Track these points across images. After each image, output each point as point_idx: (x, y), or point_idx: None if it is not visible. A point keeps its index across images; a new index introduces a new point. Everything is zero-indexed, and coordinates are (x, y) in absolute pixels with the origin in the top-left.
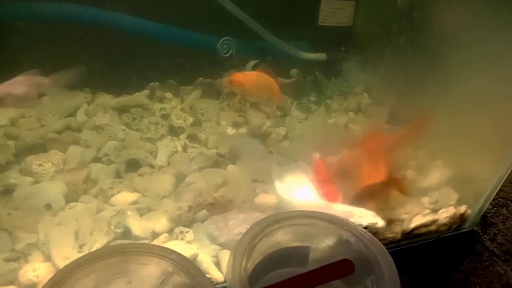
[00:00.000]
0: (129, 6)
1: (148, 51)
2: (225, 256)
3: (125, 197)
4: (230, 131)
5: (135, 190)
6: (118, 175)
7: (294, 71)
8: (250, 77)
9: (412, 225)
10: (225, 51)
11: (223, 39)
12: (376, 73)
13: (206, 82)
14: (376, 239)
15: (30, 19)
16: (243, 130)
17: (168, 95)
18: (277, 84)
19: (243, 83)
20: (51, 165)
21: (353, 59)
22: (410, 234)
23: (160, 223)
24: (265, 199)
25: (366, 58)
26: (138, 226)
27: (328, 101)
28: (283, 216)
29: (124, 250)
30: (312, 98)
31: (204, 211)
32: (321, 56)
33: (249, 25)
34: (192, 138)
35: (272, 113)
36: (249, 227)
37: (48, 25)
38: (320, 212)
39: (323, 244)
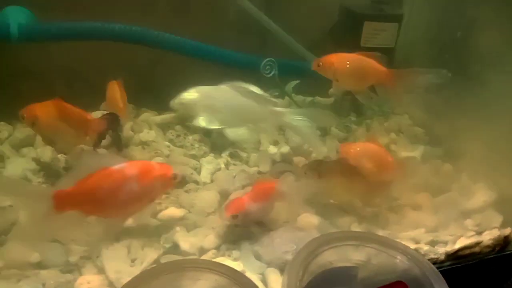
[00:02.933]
0: (175, 25)
1: (189, 69)
2: (271, 274)
3: (172, 212)
4: (272, 149)
5: (181, 206)
6: None
7: (332, 91)
8: (47, 109)
9: (456, 246)
10: (268, 72)
11: (266, 59)
12: (417, 95)
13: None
14: (428, 261)
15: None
16: (284, 148)
17: None
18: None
19: (38, 117)
20: None
21: None
22: (454, 256)
23: (208, 239)
24: (308, 219)
25: None
26: (186, 242)
27: (368, 121)
28: (334, 237)
29: (183, 266)
30: (353, 118)
31: (249, 229)
32: None
33: (291, 46)
34: (234, 155)
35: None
36: (294, 246)
37: (91, 42)
38: (371, 233)
39: (373, 265)
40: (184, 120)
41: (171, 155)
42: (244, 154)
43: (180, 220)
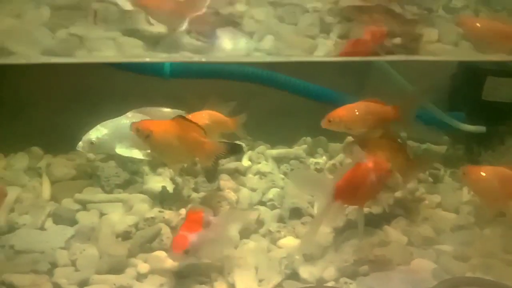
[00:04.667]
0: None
1: (300, 107)
2: None
3: (290, 241)
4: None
5: (298, 237)
6: (281, 220)
7: (444, 139)
8: (162, 126)
9: None
10: None
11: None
12: None
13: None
14: None
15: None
16: (397, 193)
17: (320, 150)
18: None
19: (152, 132)
20: (226, 202)
21: None
22: None
23: (328, 271)
24: (422, 264)
25: None
26: (305, 271)
27: None
28: (463, 281)
29: None
30: None
31: (366, 266)
32: (480, 129)
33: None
34: None
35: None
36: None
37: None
38: (496, 281)
39: None
40: (298, 157)
41: (285, 187)
42: None
43: (297, 250)
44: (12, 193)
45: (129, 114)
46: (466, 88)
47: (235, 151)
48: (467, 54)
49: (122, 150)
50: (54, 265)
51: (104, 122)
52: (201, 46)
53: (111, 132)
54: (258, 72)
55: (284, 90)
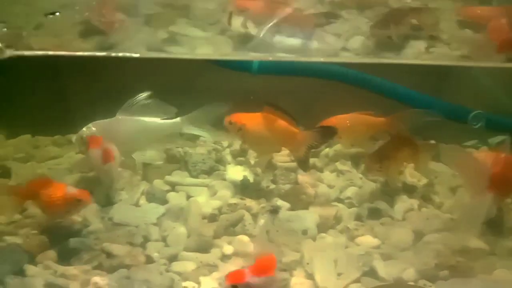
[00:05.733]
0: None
1: (377, 107)
2: None
3: (368, 240)
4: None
5: (375, 236)
6: (359, 218)
7: None
8: (253, 119)
9: None
10: (475, 123)
11: (475, 112)
12: None
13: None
14: None
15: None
16: None
17: None
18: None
19: (245, 125)
20: (304, 197)
21: None
22: None
23: (407, 272)
24: (505, 274)
25: None
26: (383, 269)
27: None
28: None
29: None
30: None
31: (446, 271)
32: None
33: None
34: (426, 198)
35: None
36: None
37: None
38: None
39: None
40: None
41: (363, 187)
42: (436, 199)
43: (375, 249)
44: None
45: (118, 116)
46: None
47: (328, 135)
48: None
49: None
50: (146, 239)
51: (96, 122)
52: (290, 45)
53: (100, 132)
54: (346, 72)
55: (368, 90)
